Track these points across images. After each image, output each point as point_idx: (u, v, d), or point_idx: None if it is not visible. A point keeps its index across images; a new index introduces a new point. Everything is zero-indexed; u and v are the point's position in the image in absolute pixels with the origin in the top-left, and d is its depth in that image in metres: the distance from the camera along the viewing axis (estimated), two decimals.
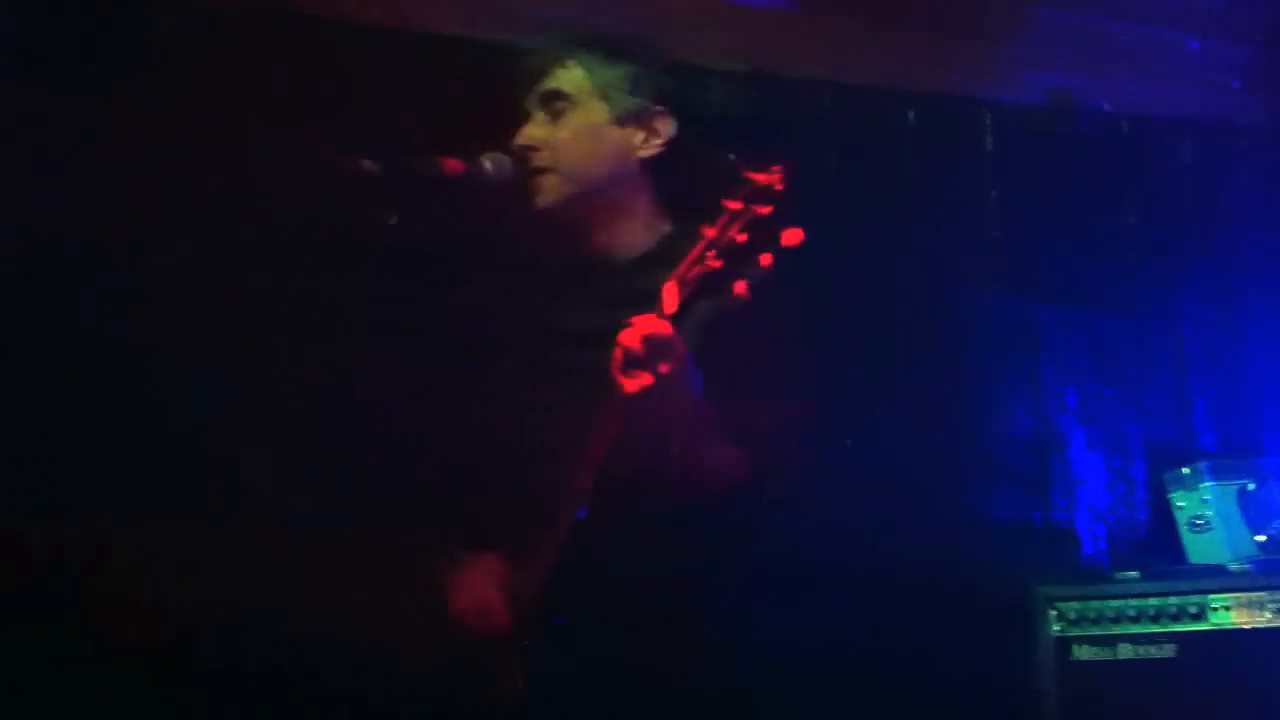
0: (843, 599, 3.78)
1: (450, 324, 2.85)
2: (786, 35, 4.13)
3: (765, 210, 2.11)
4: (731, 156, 4.00)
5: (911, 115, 4.35)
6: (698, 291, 2.16)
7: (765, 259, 2.11)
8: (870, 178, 4.28)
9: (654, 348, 2.18)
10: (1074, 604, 3.86)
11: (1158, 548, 4.27)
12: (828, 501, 3.87)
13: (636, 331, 2.18)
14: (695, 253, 2.16)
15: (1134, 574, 3.89)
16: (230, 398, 3.09)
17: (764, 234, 2.10)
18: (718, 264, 2.12)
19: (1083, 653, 3.84)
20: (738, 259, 2.12)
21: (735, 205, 2.13)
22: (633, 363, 2.19)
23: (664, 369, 2.19)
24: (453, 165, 2.44)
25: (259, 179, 3.24)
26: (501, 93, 2.68)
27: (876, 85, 4.31)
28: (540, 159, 2.58)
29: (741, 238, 2.11)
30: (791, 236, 2.11)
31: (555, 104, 2.62)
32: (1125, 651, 3.80)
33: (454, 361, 2.80)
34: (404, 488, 2.99)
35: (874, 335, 4.16)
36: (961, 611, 3.99)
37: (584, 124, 2.61)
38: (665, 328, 2.18)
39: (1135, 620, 3.80)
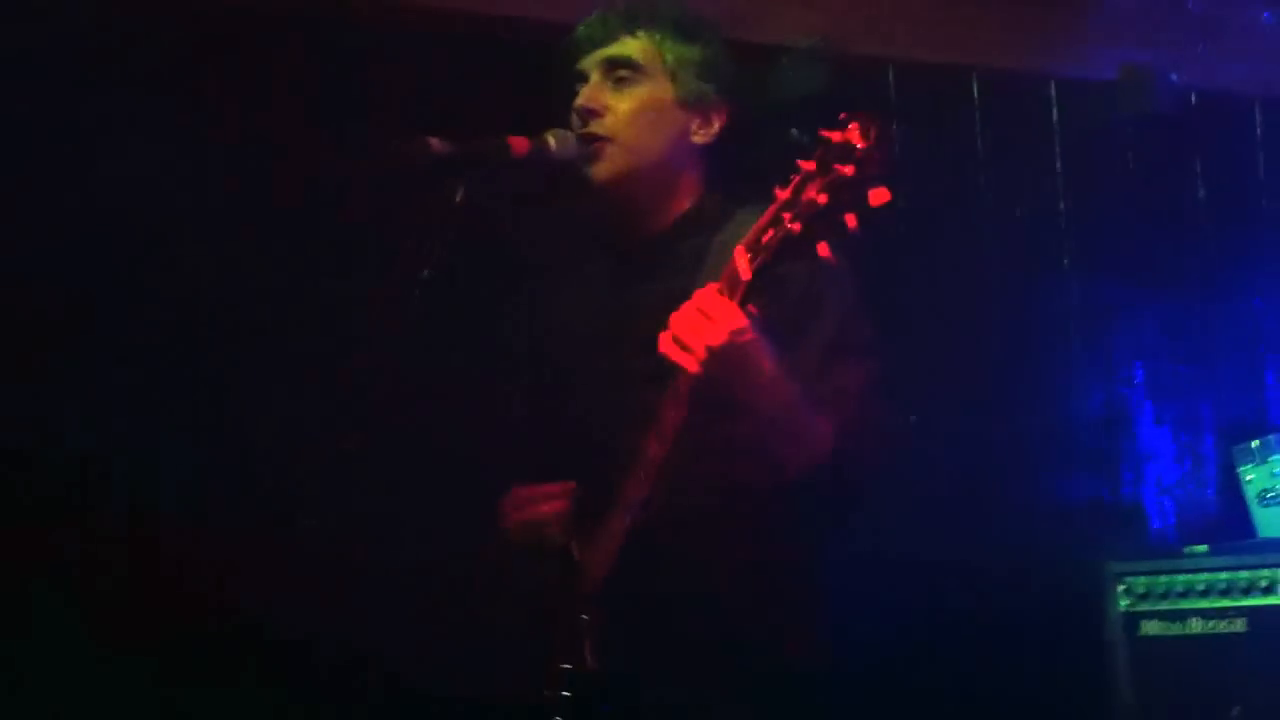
0: (912, 576, 3.79)
1: (512, 305, 2.85)
2: (852, 11, 4.12)
3: (847, 169, 1.97)
4: (794, 132, 4.03)
5: (979, 90, 4.34)
6: (778, 256, 2.08)
7: (850, 219, 1.99)
8: (937, 154, 4.26)
9: (714, 322, 2.12)
10: (1143, 579, 3.85)
11: (1227, 522, 4.24)
12: (898, 479, 3.90)
13: (693, 306, 2.14)
14: (768, 216, 2.08)
15: (1203, 548, 3.87)
16: (299, 384, 3.14)
17: (848, 194, 1.98)
18: (796, 227, 2.03)
19: (1151, 628, 3.83)
20: (819, 221, 2.01)
21: (809, 166, 2.02)
22: (693, 339, 2.14)
23: (727, 342, 2.13)
24: (519, 143, 2.43)
25: (328, 164, 3.29)
26: (563, 65, 2.61)
27: (943, 60, 4.29)
28: (601, 126, 2.50)
29: (822, 198, 1.99)
30: (878, 196, 1.98)
31: (620, 71, 2.54)
32: (1195, 626, 3.79)
33: (518, 343, 2.80)
34: (467, 463, 3.03)
35: (941, 313, 4.15)
36: (1031, 587, 3.99)
37: (649, 98, 2.53)
38: (724, 302, 2.12)
39: (1204, 595, 3.78)
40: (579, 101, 2.54)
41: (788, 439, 2.29)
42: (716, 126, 2.59)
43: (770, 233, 2.08)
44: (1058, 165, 4.45)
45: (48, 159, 3.09)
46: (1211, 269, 4.61)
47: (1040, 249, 4.40)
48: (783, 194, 2.07)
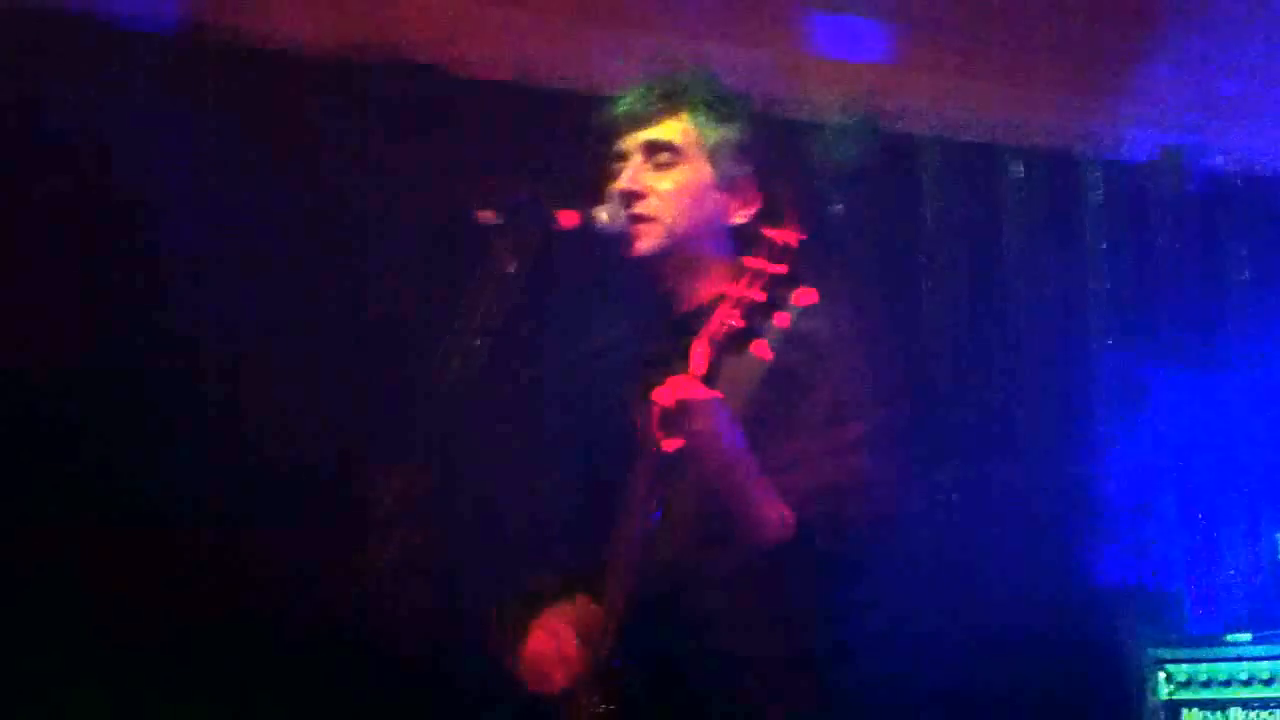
0: (947, 657, 3.75)
1: (554, 373, 2.86)
2: (895, 88, 4.14)
3: (781, 269, 2.11)
4: (839, 208, 4.04)
5: (1021, 169, 4.35)
6: (725, 349, 2.16)
7: (781, 318, 2.12)
8: (978, 230, 4.27)
9: (687, 408, 2.17)
10: (1184, 666, 3.82)
11: (1270, 610, 4.19)
12: (932, 558, 3.87)
13: (670, 391, 2.18)
14: (722, 311, 2.16)
15: (1245, 637, 3.84)
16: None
17: (781, 292, 2.11)
18: (740, 323, 2.13)
19: (1193, 717, 3.79)
20: (757, 317, 2.12)
21: (756, 263, 2.13)
22: (668, 422, 2.18)
23: (698, 428, 2.18)
24: (568, 217, 2.45)
25: (381, 229, 3.34)
26: (605, 140, 2.64)
27: (986, 139, 4.30)
28: (645, 207, 2.52)
29: (761, 296, 2.12)
30: (804, 296, 2.12)
31: (661, 155, 2.55)
32: (1236, 716, 3.75)
33: (553, 413, 2.81)
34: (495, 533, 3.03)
35: (979, 389, 4.14)
36: (1069, 673, 3.95)
37: (689, 181, 2.55)
38: (698, 387, 2.17)
39: (1247, 684, 3.75)
40: (622, 184, 2.55)
41: (752, 516, 2.32)
42: (754, 207, 2.60)
43: (721, 327, 2.16)
44: (1096, 244, 4.44)
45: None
46: (1251, 349, 4.58)
47: (1081, 330, 4.39)
48: (733, 290, 2.15)
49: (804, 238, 2.12)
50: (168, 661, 3.13)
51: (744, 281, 2.14)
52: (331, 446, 3.28)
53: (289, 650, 3.20)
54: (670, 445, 2.19)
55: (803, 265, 2.12)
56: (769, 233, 2.14)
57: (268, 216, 3.33)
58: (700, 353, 2.18)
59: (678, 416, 2.17)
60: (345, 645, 3.04)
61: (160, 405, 3.22)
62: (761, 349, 2.15)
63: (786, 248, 2.12)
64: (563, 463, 2.74)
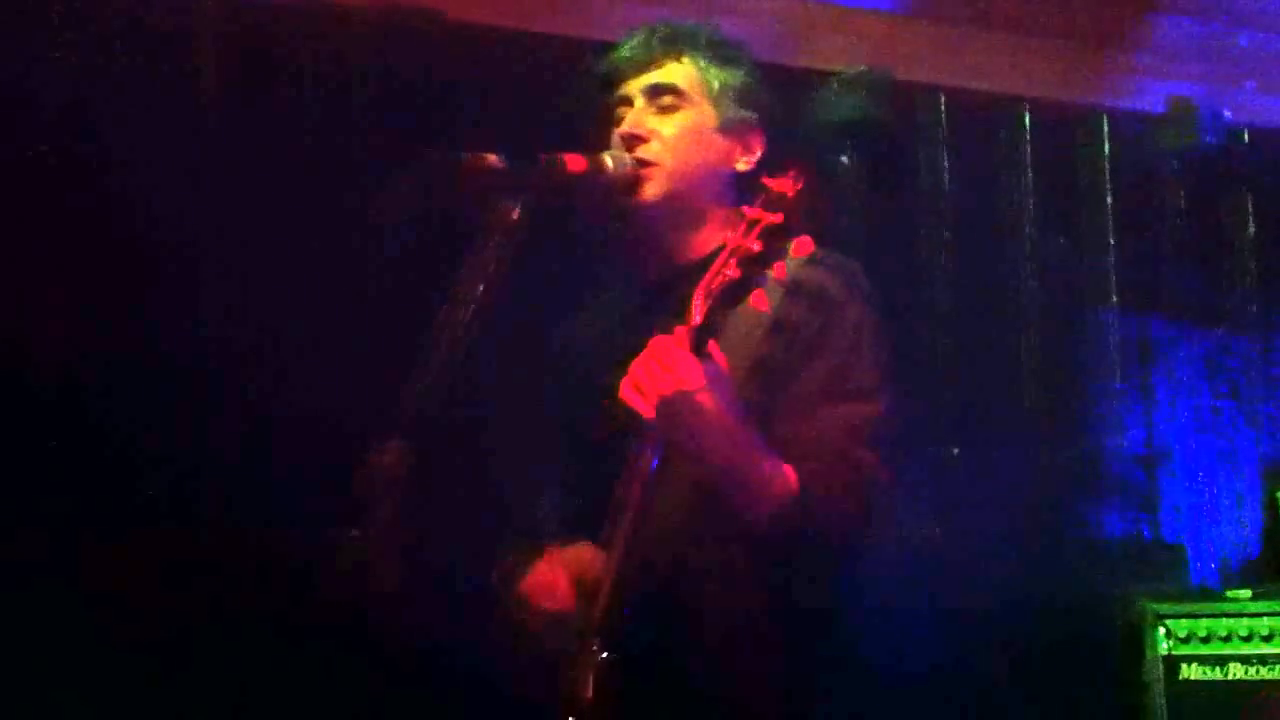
0: (949, 612, 3.75)
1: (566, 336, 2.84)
2: (903, 39, 4.10)
3: (777, 218, 2.07)
4: (844, 159, 4.01)
5: (1028, 120, 4.31)
6: (721, 300, 2.12)
7: (778, 269, 2.09)
8: (985, 183, 4.24)
9: (666, 371, 2.14)
10: (1184, 622, 3.82)
11: (1270, 566, 4.21)
12: (936, 513, 3.87)
13: (650, 354, 2.14)
14: (719, 262, 2.12)
15: (1245, 593, 3.85)
16: (343, 391, 3.13)
17: (777, 243, 2.07)
18: (737, 273, 2.09)
19: (1191, 672, 3.80)
20: (754, 268, 2.09)
21: (752, 212, 2.09)
22: (648, 385, 2.14)
23: (677, 391, 2.13)
24: (575, 161, 2.41)
25: (386, 178, 3.30)
26: (609, 88, 2.59)
27: (993, 89, 4.27)
28: (648, 151, 2.48)
29: (757, 245, 2.08)
30: (801, 247, 2.08)
31: (664, 98, 2.52)
32: (1235, 671, 3.76)
33: (551, 364, 2.78)
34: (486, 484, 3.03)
35: (984, 345, 4.12)
36: (1070, 628, 3.95)
37: (693, 125, 2.51)
38: (679, 349, 2.13)
39: (1246, 640, 3.76)
40: (625, 128, 2.51)
41: (742, 487, 2.26)
42: (757, 154, 2.57)
43: (719, 277, 2.12)
44: (1106, 198, 4.41)
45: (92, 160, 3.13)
46: (1257, 306, 4.57)
47: (1086, 282, 4.37)
48: (731, 240, 2.12)
49: (801, 186, 2.08)
50: (158, 656, 3.12)
51: (740, 231, 2.11)
52: (322, 420, 3.23)
53: (276, 635, 3.18)
54: (648, 411, 2.15)
55: (801, 215, 2.08)
56: (767, 181, 2.11)
57: (258, 169, 3.28)
58: (698, 305, 2.14)
59: (659, 379, 2.14)
60: (335, 627, 3.02)
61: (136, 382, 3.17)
62: (760, 300, 2.11)
63: (784, 196, 2.09)
64: (562, 424, 2.69)
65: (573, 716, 2.26)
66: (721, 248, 2.18)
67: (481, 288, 2.25)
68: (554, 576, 2.45)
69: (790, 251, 2.09)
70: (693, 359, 2.14)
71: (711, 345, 2.16)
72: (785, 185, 2.10)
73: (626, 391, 2.17)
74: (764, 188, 2.12)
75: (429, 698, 3.22)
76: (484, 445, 3.23)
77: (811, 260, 2.23)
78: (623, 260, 2.70)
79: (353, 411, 3.06)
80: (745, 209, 2.12)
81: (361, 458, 2.19)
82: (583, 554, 2.43)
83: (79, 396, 3.12)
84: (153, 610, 3.08)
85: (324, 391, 3.21)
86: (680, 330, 2.15)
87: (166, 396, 3.16)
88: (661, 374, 2.14)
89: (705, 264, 2.28)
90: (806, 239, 2.09)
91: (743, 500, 2.27)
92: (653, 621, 2.30)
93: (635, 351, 2.37)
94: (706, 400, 2.17)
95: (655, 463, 2.23)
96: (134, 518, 3.13)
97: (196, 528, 3.18)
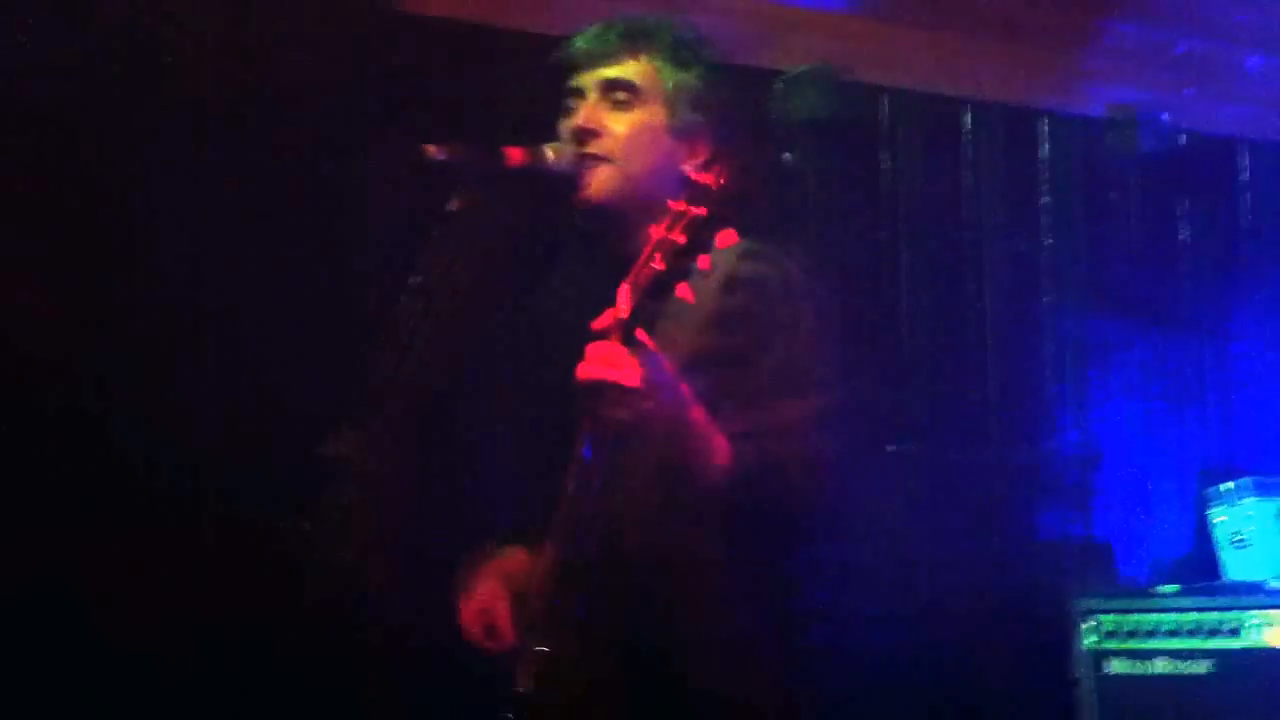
0: (881, 606, 3.79)
1: (498, 317, 2.85)
2: (848, 39, 4.13)
3: (701, 211, 2.09)
4: (786, 156, 4.04)
5: (970, 121, 4.36)
6: (647, 293, 2.13)
7: (703, 261, 2.10)
8: (927, 182, 4.28)
9: (612, 371, 2.15)
10: (1111, 617, 3.87)
11: (1197, 564, 4.26)
12: (869, 507, 3.90)
13: (591, 361, 2.16)
14: (645, 254, 2.13)
15: (1172, 589, 3.89)
16: (295, 380, 3.14)
17: (703, 234, 2.09)
18: (661, 266, 2.11)
19: (1118, 666, 3.84)
20: (679, 259, 2.10)
21: (677, 205, 2.11)
22: (595, 391, 2.16)
23: (629, 388, 2.15)
24: (515, 154, 2.42)
25: (328, 168, 3.30)
26: (557, 74, 2.59)
27: (937, 90, 4.31)
28: (598, 146, 2.48)
29: (681, 238, 2.09)
30: (725, 239, 2.11)
31: (619, 93, 2.51)
32: (1161, 666, 3.80)
33: (497, 357, 2.80)
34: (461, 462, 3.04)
35: (921, 341, 4.16)
36: (999, 622, 4.00)
37: (644, 123, 2.51)
38: (617, 350, 2.15)
39: (1172, 635, 3.80)
40: (577, 121, 2.52)
41: (695, 451, 2.30)
42: (702, 158, 2.57)
43: (645, 270, 2.14)
44: (1045, 200, 4.46)
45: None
46: (1191, 310, 4.63)
47: (1023, 282, 4.42)
48: (656, 232, 2.13)
49: (726, 180, 2.10)
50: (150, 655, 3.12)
51: (665, 224, 2.12)
52: (288, 408, 3.24)
53: (256, 631, 3.19)
54: (607, 412, 2.18)
55: (726, 207, 2.10)
56: (692, 175, 2.14)
57: (207, 171, 3.27)
58: (624, 297, 2.16)
59: (604, 384, 2.15)
60: (307, 621, 3.03)
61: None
62: (685, 291, 2.12)
63: (708, 189, 2.10)
64: (512, 416, 2.72)
65: (511, 712, 2.31)
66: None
67: (433, 277, 2.28)
68: (491, 600, 2.50)
69: (715, 243, 2.10)
70: (623, 352, 2.16)
71: (639, 333, 2.17)
72: (709, 178, 2.11)
73: (584, 397, 2.18)
74: (689, 180, 2.14)
75: (395, 692, 3.23)
76: (440, 436, 3.22)
77: (745, 253, 2.27)
78: (567, 252, 2.72)
79: (320, 403, 3.10)
80: (670, 203, 2.12)
81: (318, 450, 2.22)
82: (522, 563, 2.48)
83: (61, 395, 3.12)
84: (125, 606, 3.08)
85: (296, 383, 3.23)
86: (608, 320, 2.17)
87: (154, 393, 3.17)
88: (601, 372, 2.15)
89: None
90: (730, 231, 2.11)
91: (698, 462, 2.29)
92: (593, 612, 2.31)
93: (582, 341, 2.42)
94: (646, 388, 2.18)
95: (589, 454, 2.26)
96: (111, 513, 3.13)
97: (173, 522, 3.18)
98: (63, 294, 3.11)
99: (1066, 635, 3.90)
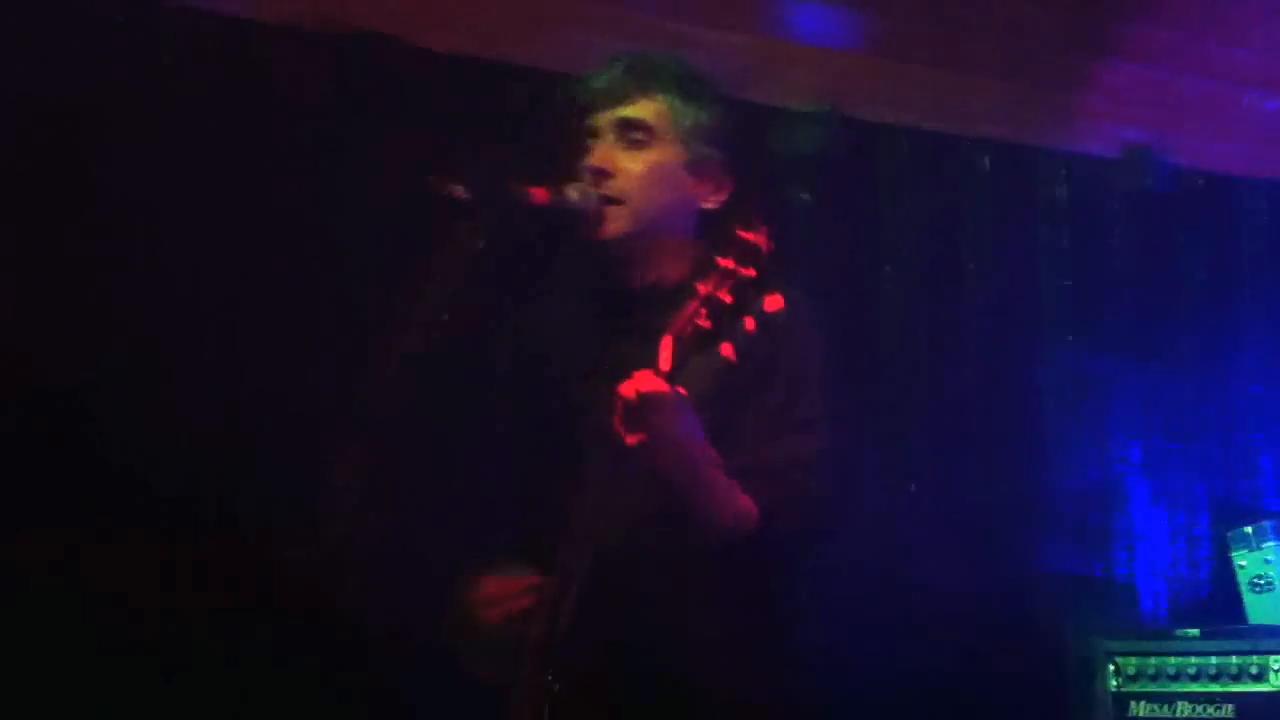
0: (900, 648, 3.75)
1: (517, 351, 2.83)
2: (866, 78, 4.12)
3: (749, 273, 2.10)
4: (805, 196, 4.03)
5: (987, 162, 4.35)
6: (691, 348, 2.15)
7: (749, 323, 2.10)
8: (943, 222, 4.26)
9: (650, 403, 2.16)
10: (1133, 659, 3.85)
11: (1219, 606, 4.23)
12: (889, 549, 3.87)
13: (634, 386, 2.17)
14: (690, 309, 2.14)
15: (1194, 632, 3.87)
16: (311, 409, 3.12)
17: (749, 296, 2.10)
18: (707, 324, 2.12)
19: (1140, 709, 3.82)
20: (725, 319, 2.11)
21: (726, 263, 2.11)
22: (631, 416, 2.17)
23: (659, 423, 2.17)
24: (539, 194, 2.42)
25: (352, 201, 3.29)
26: (578, 119, 2.60)
27: (954, 131, 4.30)
28: (613, 187, 2.49)
29: (729, 299, 2.10)
30: (773, 303, 2.10)
31: (633, 133, 2.53)
32: (1183, 710, 3.78)
33: (512, 392, 2.78)
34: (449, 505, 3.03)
35: (940, 382, 4.14)
36: (1021, 663, 3.96)
37: (659, 162, 2.53)
38: (661, 384, 2.16)
39: (1194, 679, 3.78)
40: (593, 162, 2.53)
41: (705, 501, 2.31)
42: (724, 194, 2.58)
43: (689, 326, 2.14)
44: (1057, 239, 4.45)
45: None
46: (1211, 349, 4.62)
47: (1039, 323, 4.40)
48: (703, 288, 2.13)
49: (773, 242, 2.10)
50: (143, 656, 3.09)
51: (713, 281, 2.12)
52: (284, 428, 3.22)
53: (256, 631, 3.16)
54: (632, 439, 2.18)
55: (772, 266, 2.10)
56: (741, 234, 2.12)
57: (218, 191, 3.26)
58: (666, 351, 2.16)
59: (640, 410, 2.16)
60: (302, 629, 3.02)
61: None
62: (728, 350, 2.13)
63: (758, 250, 2.10)
64: (516, 443, 2.72)
65: None
66: (684, 284, 2.20)
67: (442, 309, 2.26)
68: (507, 587, 2.47)
69: (764, 306, 2.10)
70: (677, 392, 2.18)
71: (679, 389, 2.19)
72: (759, 239, 2.11)
73: (617, 419, 2.19)
74: (737, 239, 2.12)
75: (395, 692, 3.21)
76: (441, 459, 3.24)
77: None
78: (576, 278, 2.71)
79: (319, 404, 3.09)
80: (719, 259, 2.12)
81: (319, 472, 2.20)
82: (532, 584, 2.44)
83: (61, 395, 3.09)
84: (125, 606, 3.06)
85: (295, 383, 3.23)
86: (648, 373, 2.17)
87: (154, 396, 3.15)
88: (653, 404, 2.16)
89: (668, 298, 2.31)
90: (778, 297, 2.10)
91: (708, 519, 2.30)
92: (604, 643, 2.32)
93: (590, 369, 2.40)
94: (690, 429, 2.23)
95: (605, 484, 2.26)
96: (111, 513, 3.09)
97: (171, 526, 3.15)
98: (62, 294, 3.10)
99: (1087, 675, 3.88)
